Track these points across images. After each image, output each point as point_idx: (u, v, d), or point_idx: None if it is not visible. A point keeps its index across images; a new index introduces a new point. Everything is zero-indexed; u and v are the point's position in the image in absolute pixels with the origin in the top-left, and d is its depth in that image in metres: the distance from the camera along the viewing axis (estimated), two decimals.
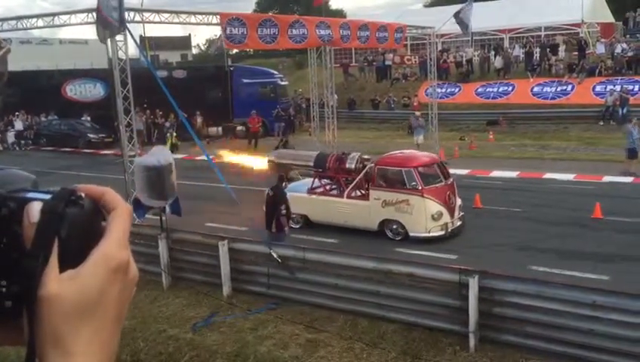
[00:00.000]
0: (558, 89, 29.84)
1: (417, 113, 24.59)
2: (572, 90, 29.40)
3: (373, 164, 12.87)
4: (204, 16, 14.41)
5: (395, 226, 12.46)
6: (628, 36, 34.86)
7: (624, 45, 31.08)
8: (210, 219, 14.17)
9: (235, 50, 50.93)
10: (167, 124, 28.54)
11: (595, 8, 38.80)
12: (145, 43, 40.56)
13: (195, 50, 75.55)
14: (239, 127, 30.71)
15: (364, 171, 12.95)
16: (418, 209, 12.05)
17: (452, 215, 12.42)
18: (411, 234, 12.24)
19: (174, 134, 27.51)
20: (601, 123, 26.67)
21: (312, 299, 9.21)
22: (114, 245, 0.73)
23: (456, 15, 21.73)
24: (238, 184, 15.75)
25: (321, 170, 13.61)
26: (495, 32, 39.80)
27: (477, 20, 27.81)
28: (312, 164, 13.83)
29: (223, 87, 32.07)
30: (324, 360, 7.70)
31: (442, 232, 12.18)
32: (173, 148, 26.81)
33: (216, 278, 9.92)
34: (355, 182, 13.05)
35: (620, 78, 28.58)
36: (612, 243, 11.81)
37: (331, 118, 21.82)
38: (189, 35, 70.10)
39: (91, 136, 28.77)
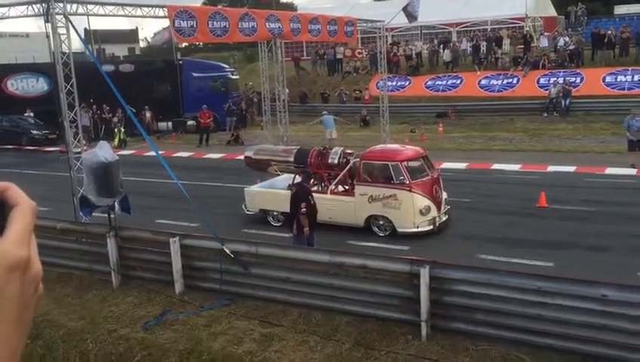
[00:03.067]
0: (504, 82, 30.61)
1: (325, 112, 25.54)
2: (517, 82, 30.21)
3: (357, 159, 12.55)
4: (150, 8, 14.08)
5: (381, 222, 12.17)
6: (569, 30, 36.03)
7: (566, 39, 32.12)
8: (160, 216, 13.95)
9: (184, 44, 50.13)
10: (115, 120, 27.93)
11: (538, 3, 39.93)
12: (90, 36, 39.49)
13: (142, 44, 73.97)
14: (190, 122, 30.31)
15: (348, 166, 12.62)
16: (406, 204, 11.76)
17: (439, 209, 12.21)
18: (399, 229, 11.93)
19: (122, 130, 26.95)
20: (545, 114, 27.51)
21: (265, 294, 9.18)
22: (12, 242, 0.71)
23: (405, 8, 21.98)
24: (190, 180, 15.55)
25: (302, 165, 13.08)
26: (443, 26, 40.49)
27: (425, 14, 28.26)
28: (292, 159, 13.38)
29: (173, 81, 31.57)
30: (279, 354, 7.70)
31: (430, 227, 11.91)
32: (122, 144, 26.32)
33: (167, 276, 9.77)
34: (339, 177, 12.73)
35: (562, 70, 29.54)
36: (556, 230, 12.21)
37: (283, 112, 21.73)
38: (136, 28, 68.56)
39: (35, 132, 27.85)
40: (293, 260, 8.97)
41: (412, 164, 12.34)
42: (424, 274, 7.64)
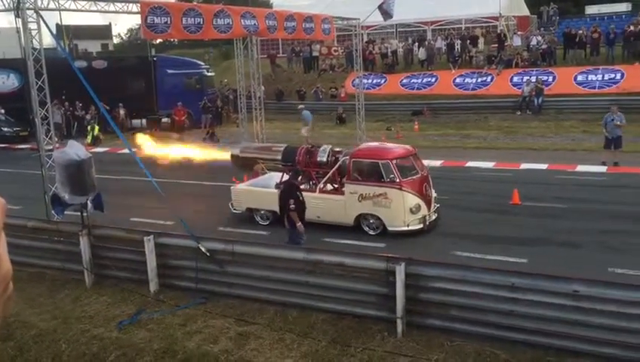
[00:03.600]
0: (479, 80, 30.89)
1: (301, 106, 25.34)
2: (491, 81, 30.52)
3: (347, 157, 12.39)
4: (124, 4, 13.89)
5: (372, 221, 12.09)
6: (542, 29, 36.54)
7: (539, 38, 32.56)
8: (135, 214, 13.79)
9: (158, 40, 49.65)
10: (88, 117, 27.56)
11: (512, 2, 40.43)
12: (62, 32, 38.85)
13: (116, 40, 73.08)
14: (164, 119, 30.04)
15: (337, 164, 12.44)
16: (396, 202, 11.69)
17: (429, 207, 12.14)
18: (390, 228, 11.85)
19: (96, 127, 26.61)
20: (519, 113, 27.85)
21: (242, 292, 9.14)
22: None
23: (380, 6, 22.09)
24: (164, 177, 15.39)
25: (290, 163, 12.83)
26: (418, 24, 40.76)
27: (400, 12, 28.39)
28: (279, 157, 13.18)
29: (147, 78, 31.18)
30: (255, 352, 7.68)
31: (421, 225, 11.85)
32: (96, 141, 25.97)
33: (142, 275, 9.65)
34: (328, 175, 12.55)
35: (535, 69, 29.92)
36: (529, 227, 12.39)
37: (259, 110, 21.67)
38: (110, 23, 67.70)
39: (5, 129, 27.33)
40: (269, 258, 8.94)
41: (402, 162, 12.23)
42: (400, 271, 7.68)
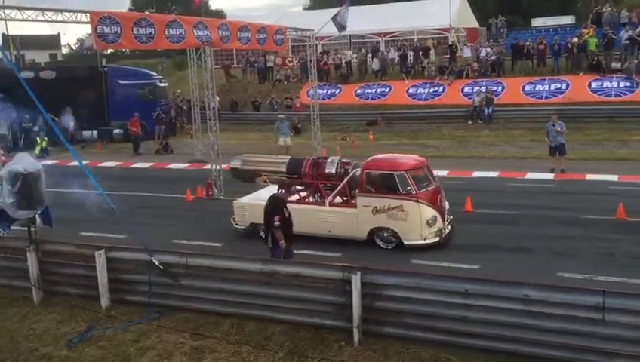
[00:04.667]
0: (431, 90, 31.51)
1: (281, 115, 25.33)
2: (443, 91, 31.16)
3: (358, 169, 12.00)
4: (72, 14, 13.58)
5: (386, 234, 11.74)
6: (491, 41, 37.53)
7: (488, 49, 33.43)
8: (85, 228, 13.45)
9: (110, 50, 48.79)
10: (36, 128, 26.81)
11: (461, 14, 41.40)
12: (8, 42, 37.78)
13: (65, 50, 71.48)
14: (116, 131, 29.51)
15: (349, 176, 12.09)
16: (413, 215, 11.39)
17: (443, 219, 11.92)
18: (406, 242, 11.56)
19: (45, 138, 25.91)
20: (470, 122, 28.50)
21: (197, 305, 9.00)
22: None
23: (334, 18, 22.26)
24: (117, 190, 15.07)
25: (295, 176, 12.47)
26: (372, 36, 41.31)
27: (354, 24, 28.72)
28: (284, 169, 12.76)
29: (97, 89, 30.57)
30: None
31: (437, 238, 11.59)
32: (44, 153, 25.26)
33: (93, 290, 9.39)
34: (339, 188, 12.16)
35: (485, 80, 30.73)
36: (481, 234, 12.64)
37: (213, 120, 21.46)
38: (58, 33, 66.22)
39: None
40: (224, 270, 8.84)
41: (416, 173, 11.89)
42: (356, 280, 7.71)
